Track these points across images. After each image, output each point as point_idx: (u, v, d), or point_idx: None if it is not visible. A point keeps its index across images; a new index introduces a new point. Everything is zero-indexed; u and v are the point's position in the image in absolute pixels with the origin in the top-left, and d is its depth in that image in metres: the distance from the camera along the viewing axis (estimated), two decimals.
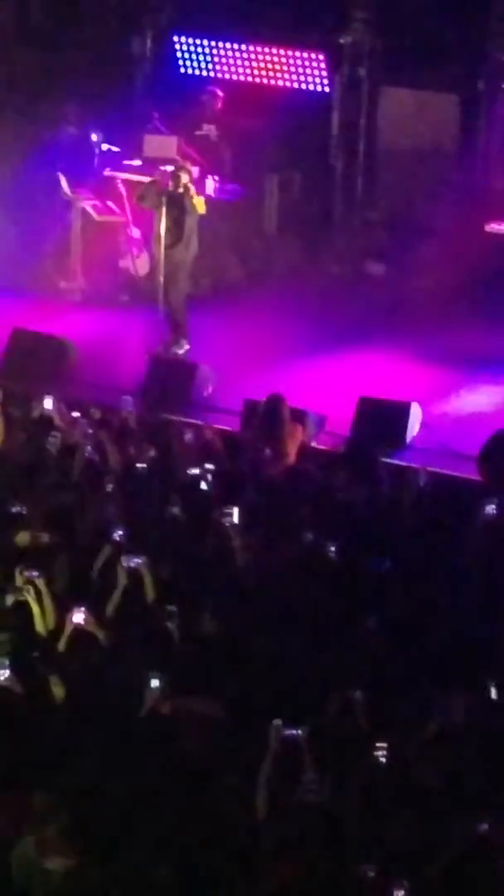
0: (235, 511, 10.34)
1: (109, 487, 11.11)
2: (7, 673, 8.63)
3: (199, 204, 14.95)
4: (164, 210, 14.65)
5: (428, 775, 8.10)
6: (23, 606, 9.45)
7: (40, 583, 9.50)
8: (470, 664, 9.13)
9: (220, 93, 17.04)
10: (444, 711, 8.45)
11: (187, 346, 14.89)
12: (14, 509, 10.53)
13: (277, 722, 8.03)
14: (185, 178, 14.79)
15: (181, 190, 14.71)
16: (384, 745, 7.98)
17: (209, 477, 11.23)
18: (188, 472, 11.41)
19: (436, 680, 9.04)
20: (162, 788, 8.00)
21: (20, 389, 13.06)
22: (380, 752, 7.96)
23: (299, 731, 8.01)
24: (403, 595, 9.94)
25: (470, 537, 10.69)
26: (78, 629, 9.21)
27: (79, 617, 9.24)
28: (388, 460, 12.34)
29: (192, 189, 14.86)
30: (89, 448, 11.50)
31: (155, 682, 8.50)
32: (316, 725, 8.23)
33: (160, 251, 14.72)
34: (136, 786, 7.98)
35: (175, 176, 14.73)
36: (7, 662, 8.66)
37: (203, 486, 11.17)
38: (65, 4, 18.21)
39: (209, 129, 16.79)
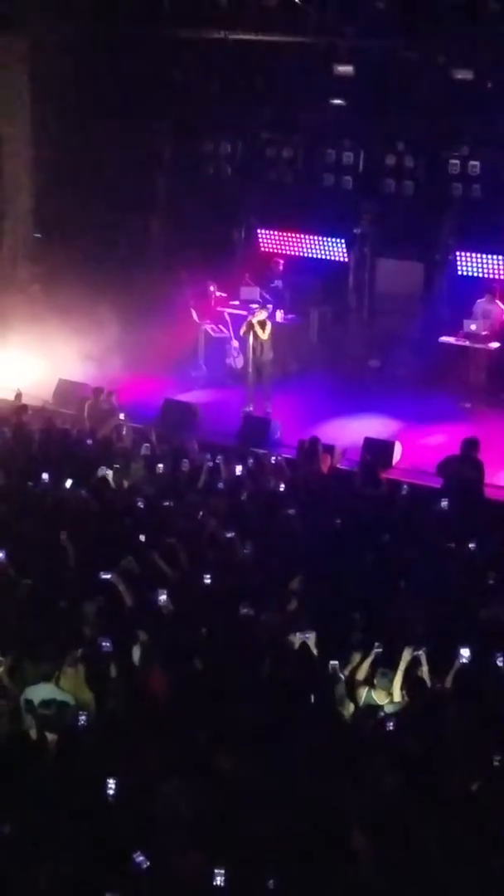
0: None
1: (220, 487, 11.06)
2: (164, 598, 7.59)
3: (266, 331, 14.61)
4: (251, 334, 14.67)
5: None
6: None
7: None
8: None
9: (281, 262, 16.81)
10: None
11: (270, 409, 14.62)
12: (165, 503, 10.50)
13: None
14: (260, 316, 14.67)
15: (258, 324, 14.59)
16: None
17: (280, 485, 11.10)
18: (269, 481, 11.26)
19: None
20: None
21: (168, 434, 13.09)
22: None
23: (309, 636, 7.02)
24: (398, 554, 9.57)
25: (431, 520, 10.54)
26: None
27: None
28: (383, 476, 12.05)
29: (264, 324, 14.61)
30: (208, 468, 11.43)
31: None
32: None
33: (250, 356, 14.73)
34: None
35: (256, 315, 14.65)
36: (165, 591, 7.61)
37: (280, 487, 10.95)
38: (187, 212, 17.92)
39: (278, 283, 16.58)
